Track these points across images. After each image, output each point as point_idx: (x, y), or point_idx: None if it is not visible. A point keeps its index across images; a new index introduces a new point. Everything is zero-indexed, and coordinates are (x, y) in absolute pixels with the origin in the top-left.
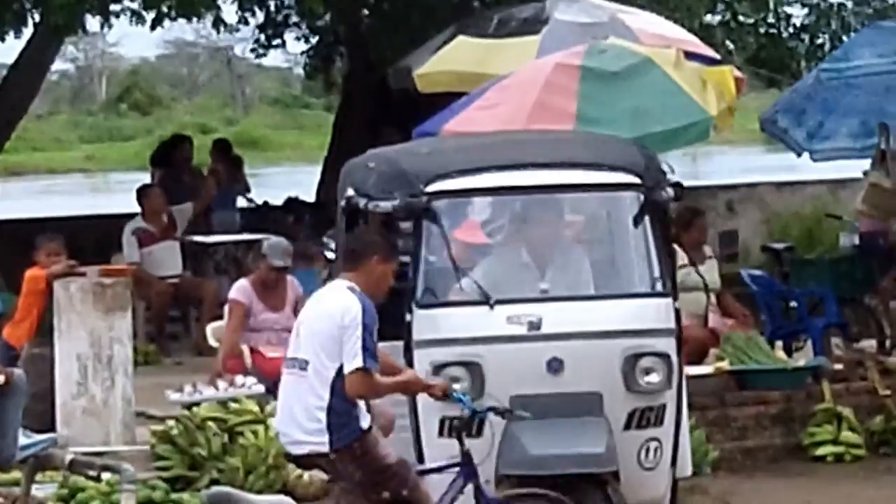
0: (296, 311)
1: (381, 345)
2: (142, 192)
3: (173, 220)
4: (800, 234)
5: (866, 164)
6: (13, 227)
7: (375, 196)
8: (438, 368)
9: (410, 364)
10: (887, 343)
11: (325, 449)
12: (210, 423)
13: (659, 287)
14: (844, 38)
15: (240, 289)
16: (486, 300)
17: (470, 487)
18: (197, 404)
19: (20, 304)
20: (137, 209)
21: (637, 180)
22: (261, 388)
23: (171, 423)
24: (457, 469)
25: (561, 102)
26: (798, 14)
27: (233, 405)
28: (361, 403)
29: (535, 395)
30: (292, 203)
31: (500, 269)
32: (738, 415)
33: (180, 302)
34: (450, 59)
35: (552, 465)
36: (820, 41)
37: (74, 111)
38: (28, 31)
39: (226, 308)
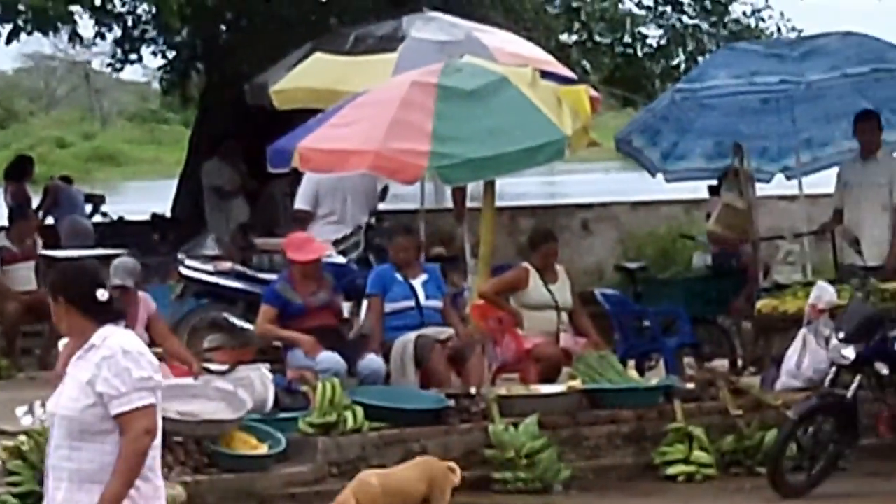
0: (148, 328)
1: None
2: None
3: (36, 243)
4: (654, 254)
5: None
6: None
7: None
8: None
9: None
10: (739, 363)
11: None
12: None
13: None
14: (699, 59)
15: None
16: None
17: None
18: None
19: None
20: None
21: None
22: None
23: (23, 438)
24: None
25: (417, 120)
26: (654, 35)
27: None
28: None
29: None
30: (156, 219)
31: None
32: (591, 434)
33: (35, 317)
34: (306, 75)
35: None
36: (675, 62)
37: None
38: None
39: None
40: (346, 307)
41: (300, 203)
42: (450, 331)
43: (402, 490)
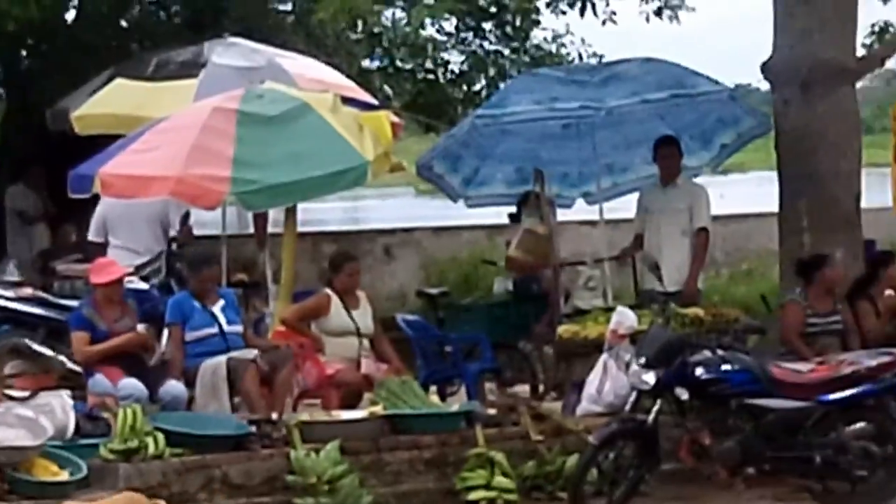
0: None
1: None
2: None
3: None
4: (456, 279)
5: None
6: None
7: None
8: None
9: None
10: (540, 388)
11: None
12: None
13: None
14: (501, 84)
15: None
16: None
17: None
18: None
19: None
20: None
21: None
22: None
23: None
24: None
25: (218, 146)
26: (455, 60)
27: None
28: None
29: None
30: None
31: None
32: (392, 459)
33: None
34: (107, 101)
35: None
36: (477, 87)
37: None
38: None
39: None
40: (140, 328)
41: (91, 235)
42: (256, 351)
43: None
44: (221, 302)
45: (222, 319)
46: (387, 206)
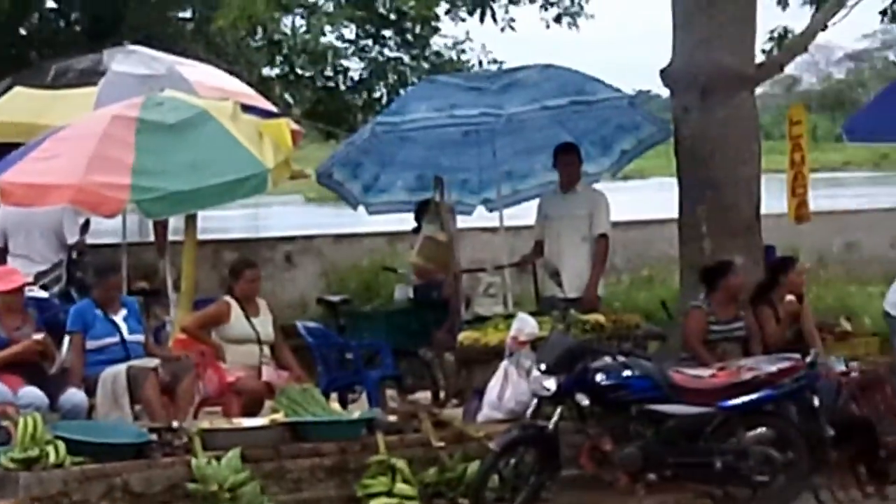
0: None
1: None
2: None
3: None
4: (358, 287)
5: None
6: None
7: None
8: None
9: None
10: (441, 395)
11: None
12: None
13: None
14: (401, 91)
15: None
16: None
17: None
18: None
19: None
20: None
21: None
22: None
23: None
24: None
25: (118, 154)
26: (355, 68)
27: None
28: None
29: None
30: None
31: None
32: (294, 466)
33: None
34: (6, 109)
35: None
36: (377, 95)
37: None
38: None
39: None
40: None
41: None
42: (156, 360)
43: None
44: (124, 311)
45: (124, 328)
46: (285, 213)
